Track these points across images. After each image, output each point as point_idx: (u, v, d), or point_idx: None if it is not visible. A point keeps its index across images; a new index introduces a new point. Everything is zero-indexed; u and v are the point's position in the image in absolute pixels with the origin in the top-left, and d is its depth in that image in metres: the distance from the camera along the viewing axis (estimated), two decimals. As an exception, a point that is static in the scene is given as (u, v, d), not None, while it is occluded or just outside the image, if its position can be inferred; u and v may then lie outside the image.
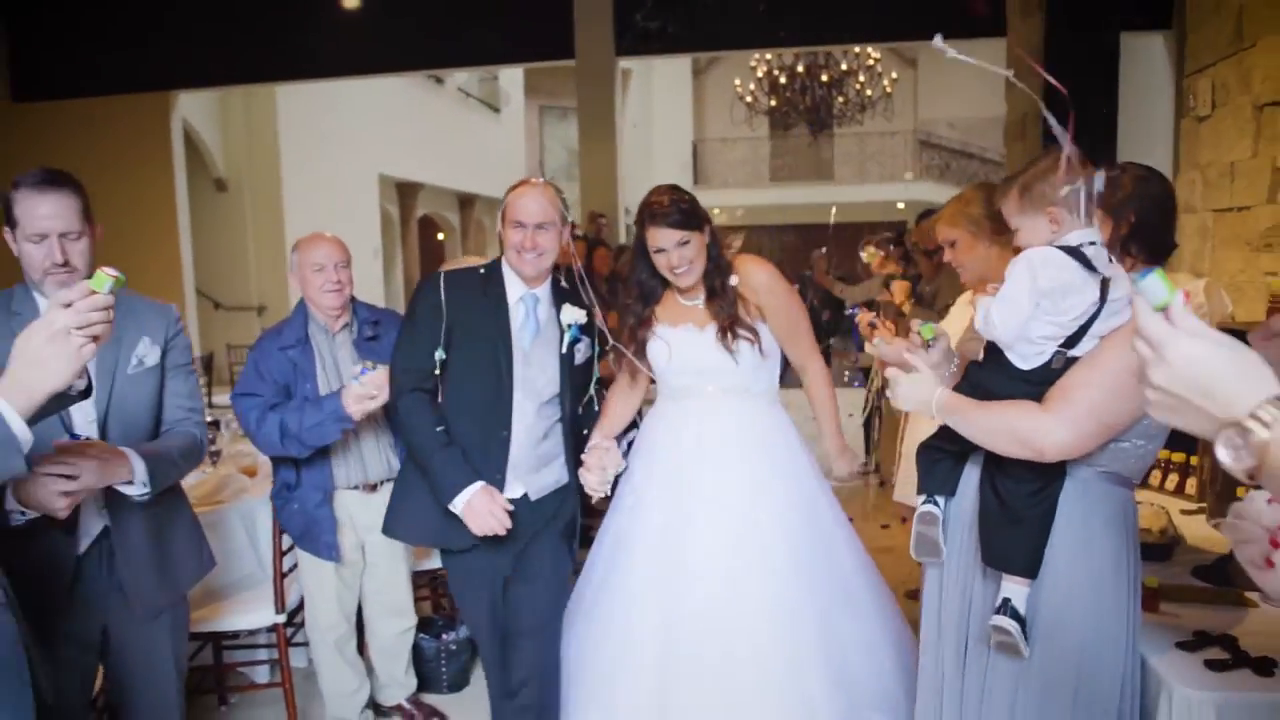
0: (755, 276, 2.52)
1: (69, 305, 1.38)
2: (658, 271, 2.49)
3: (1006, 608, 1.84)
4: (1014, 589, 1.85)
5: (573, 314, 2.46)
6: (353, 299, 2.94)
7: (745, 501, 2.45)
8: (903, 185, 18.07)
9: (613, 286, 5.25)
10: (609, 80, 8.10)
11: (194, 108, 9.89)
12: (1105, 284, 1.75)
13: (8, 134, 8.49)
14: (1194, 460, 2.86)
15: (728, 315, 2.47)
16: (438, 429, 2.39)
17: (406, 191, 15.01)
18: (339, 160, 11.87)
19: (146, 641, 2.16)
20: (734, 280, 2.49)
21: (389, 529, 2.59)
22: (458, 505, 2.35)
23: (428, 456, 2.38)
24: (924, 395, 1.92)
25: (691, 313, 2.53)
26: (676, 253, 2.40)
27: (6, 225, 2.00)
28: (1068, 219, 1.72)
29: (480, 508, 2.34)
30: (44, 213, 1.96)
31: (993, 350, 1.91)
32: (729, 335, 2.46)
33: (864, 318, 2.42)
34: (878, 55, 13.73)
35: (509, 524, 2.36)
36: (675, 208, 2.40)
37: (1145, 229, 1.81)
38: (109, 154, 8.45)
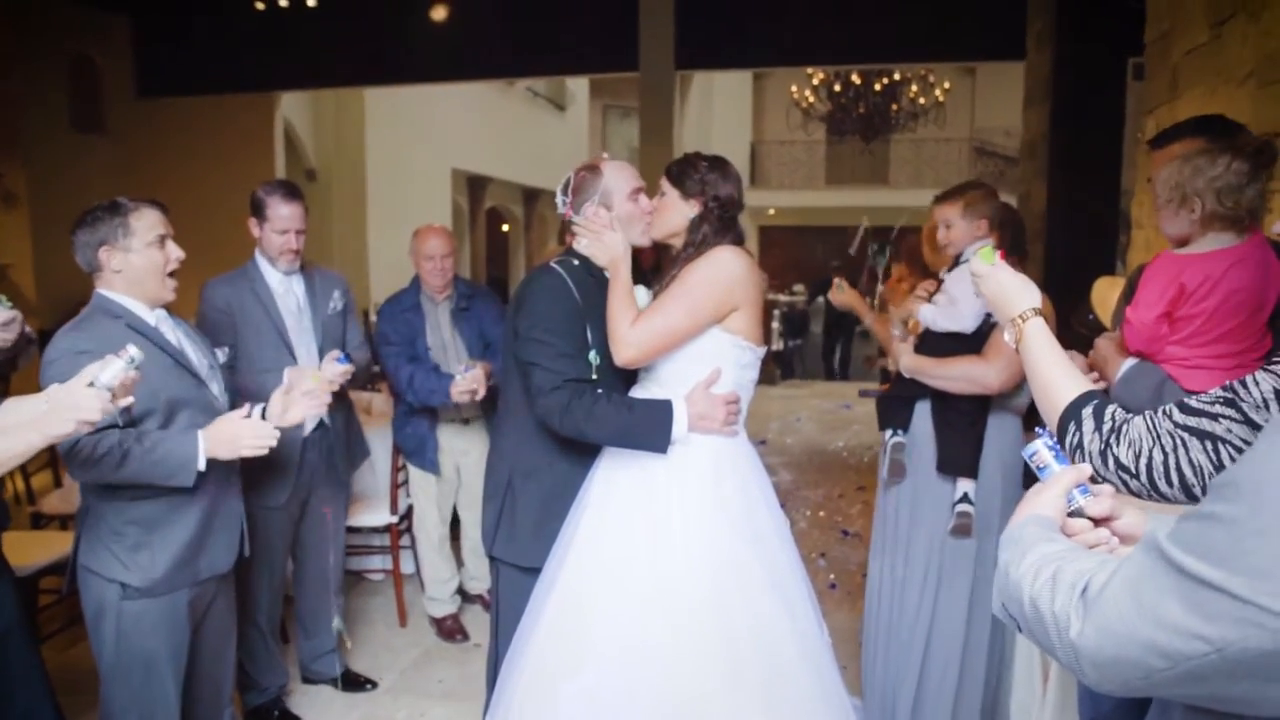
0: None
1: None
2: None
3: (965, 499, 2.59)
4: (967, 485, 2.60)
5: (644, 296, 2.35)
6: (455, 276, 3.76)
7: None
8: (959, 191, 18.45)
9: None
10: (669, 91, 8.72)
11: (292, 105, 10.82)
12: None
13: (135, 125, 9.60)
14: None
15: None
16: (604, 398, 2.14)
17: (476, 185, 15.91)
18: (417, 155, 12.64)
19: (331, 505, 3.14)
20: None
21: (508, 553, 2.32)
22: (680, 418, 2.12)
23: (626, 422, 2.12)
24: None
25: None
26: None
27: (254, 217, 2.92)
28: (985, 229, 2.56)
29: (704, 405, 2.15)
30: (285, 214, 2.92)
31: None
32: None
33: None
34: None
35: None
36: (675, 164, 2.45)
37: (1014, 240, 2.67)
38: (220, 146, 9.39)
